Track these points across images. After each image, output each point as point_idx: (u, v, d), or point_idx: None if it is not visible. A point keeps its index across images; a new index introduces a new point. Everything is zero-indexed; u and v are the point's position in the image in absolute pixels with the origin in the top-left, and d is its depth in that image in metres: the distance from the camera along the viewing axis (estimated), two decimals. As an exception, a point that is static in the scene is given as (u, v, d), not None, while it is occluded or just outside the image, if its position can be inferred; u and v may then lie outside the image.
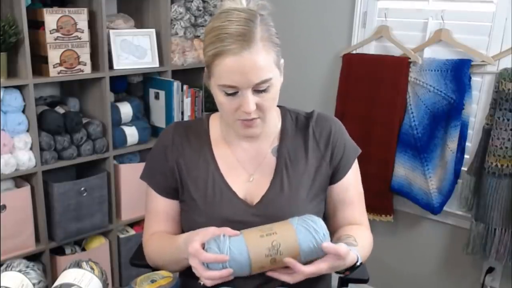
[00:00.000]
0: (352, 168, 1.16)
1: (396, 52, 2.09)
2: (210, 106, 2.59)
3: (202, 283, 0.93)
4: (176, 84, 2.35)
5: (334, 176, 1.14)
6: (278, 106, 1.17)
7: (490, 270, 2.03)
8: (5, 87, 1.85)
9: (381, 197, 2.19)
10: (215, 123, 1.17)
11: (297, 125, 1.16)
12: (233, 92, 0.97)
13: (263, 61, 0.95)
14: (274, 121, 1.15)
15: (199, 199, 1.09)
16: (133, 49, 2.25)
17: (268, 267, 0.92)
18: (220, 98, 1.00)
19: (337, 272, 0.99)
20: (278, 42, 1.00)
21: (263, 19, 0.98)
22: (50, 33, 1.91)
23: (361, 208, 1.20)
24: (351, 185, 1.16)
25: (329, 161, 1.13)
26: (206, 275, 0.91)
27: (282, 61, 1.04)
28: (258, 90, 0.97)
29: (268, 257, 0.90)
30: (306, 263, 0.93)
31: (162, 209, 1.16)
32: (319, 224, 0.94)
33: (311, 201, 1.10)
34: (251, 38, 0.94)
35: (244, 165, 1.12)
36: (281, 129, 1.15)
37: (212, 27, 0.97)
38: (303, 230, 0.92)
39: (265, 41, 0.96)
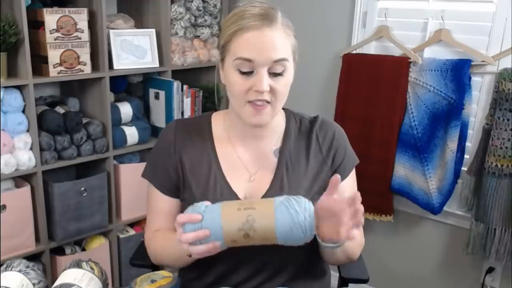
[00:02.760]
0: (350, 177, 1.16)
1: (396, 52, 2.09)
2: (210, 106, 2.59)
3: (189, 254, 0.94)
4: (176, 84, 2.35)
5: None
6: (282, 108, 1.17)
7: (490, 270, 2.03)
8: (5, 87, 1.85)
9: (381, 197, 2.19)
10: (217, 121, 1.17)
11: (301, 128, 1.17)
12: (247, 70, 0.98)
13: (282, 41, 0.99)
14: (278, 122, 1.15)
15: (200, 197, 1.09)
16: (133, 49, 2.25)
17: (240, 241, 0.91)
18: (233, 77, 1.00)
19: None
20: (295, 36, 1.04)
21: (284, 15, 1.03)
22: (50, 33, 1.91)
23: None
24: (347, 193, 1.15)
25: (330, 165, 1.14)
26: (182, 238, 0.90)
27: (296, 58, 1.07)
28: (273, 72, 0.99)
29: (240, 231, 0.89)
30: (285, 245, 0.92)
31: (164, 208, 1.16)
32: (303, 206, 0.90)
33: None
34: (273, 18, 0.99)
35: (246, 165, 1.12)
36: (284, 130, 1.16)
37: (234, 12, 1.02)
38: (283, 209, 0.89)
39: (285, 27, 1.01)
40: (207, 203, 0.94)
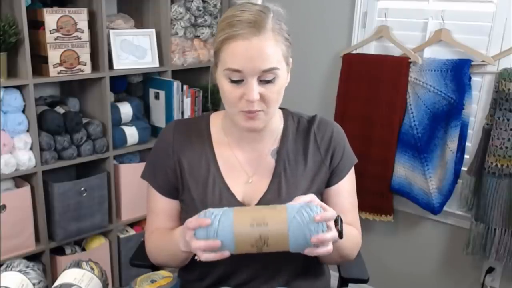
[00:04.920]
0: (348, 176, 1.15)
1: (396, 52, 2.09)
2: (210, 106, 2.59)
3: (197, 258, 0.93)
4: (176, 84, 2.35)
5: (330, 180, 1.14)
6: (280, 108, 1.16)
7: (490, 270, 2.03)
8: (5, 87, 1.85)
9: (381, 197, 2.18)
10: (216, 122, 1.16)
11: (299, 128, 1.16)
12: (238, 79, 0.97)
13: (271, 49, 0.96)
14: (276, 123, 1.14)
15: (199, 199, 1.09)
16: (133, 49, 2.25)
17: (253, 253, 0.92)
18: (224, 85, 1.00)
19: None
20: (288, 39, 1.02)
21: (276, 14, 1.00)
22: (50, 33, 1.91)
23: (354, 216, 1.18)
24: (345, 192, 1.15)
25: (328, 165, 1.13)
26: (193, 246, 0.90)
27: (291, 60, 1.05)
28: (263, 80, 0.97)
29: (253, 247, 0.90)
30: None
31: (163, 209, 1.16)
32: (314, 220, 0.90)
33: None
34: (261, 25, 0.96)
35: (244, 167, 1.12)
36: (282, 131, 1.15)
37: (225, 17, 1.00)
38: (295, 223, 0.89)
39: (276, 32, 0.98)
40: (219, 210, 0.94)
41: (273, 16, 0.99)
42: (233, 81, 0.98)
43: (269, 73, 0.97)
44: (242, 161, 1.12)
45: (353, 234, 1.13)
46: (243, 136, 1.12)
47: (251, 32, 0.95)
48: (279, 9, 1.02)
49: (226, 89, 0.99)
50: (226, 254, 0.90)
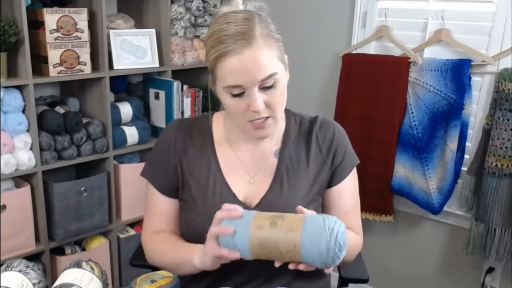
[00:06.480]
0: (350, 176, 1.16)
1: (396, 52, 2.09)
2: (210, 106, 2.59)
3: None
4: (176, 84, 2.35)
5: (332, 180, 1.14)
6: None
7: (490, 270, 2.03)
8: (5, 87, 1.85)
9: (381, 197, 2.19)
10: (218, 122, 1.16)
11: (301, 128, 1.16)
12: (239, 92, 0.97)
13: (265, 57, 0.95)
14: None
15: (199, 199, 1.09)
16: (133, 49, 2.25)
17: (266, 229, 0.91)
18: (227, 101, 0.99)
19: None
20: (279, 38, 1.01)
21: (261, 18, 0.99)
22: (50, 33, 1.91)
23: (355, 217, 1.18)
24: (347, 192, 1.16)
25: (330, 165, 1.13)
26: (216, 252, 0.94)
27: (286, 56, 1.04)
28: (264, 87, 0.97)
29: (269, 219, 0.92)
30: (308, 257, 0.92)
31: (162, 208, 1.16)
32: (332, 217, 0.92)
33: (309, 205, 1.09)
34: (250, 36, 0.94)
35: (246, 166, 1.12)
36: (284, 131, 1.15)
37: (212, 32, 0.98)
38: (312, 215, 0.93)
39: (265, 37, 0.96)
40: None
41: (258, 20, 0.97)
42: (234, 95, 0.98)
43: (269, 80, 0.97)
44: (244, 161, 1.12)
45: (352, 239, 1.13)
46: (245, 137, 1.12)
47: (242, 45, 0.93)
48: (262, 5, 1.01)
49: (230, 104, 0.99)
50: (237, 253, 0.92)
